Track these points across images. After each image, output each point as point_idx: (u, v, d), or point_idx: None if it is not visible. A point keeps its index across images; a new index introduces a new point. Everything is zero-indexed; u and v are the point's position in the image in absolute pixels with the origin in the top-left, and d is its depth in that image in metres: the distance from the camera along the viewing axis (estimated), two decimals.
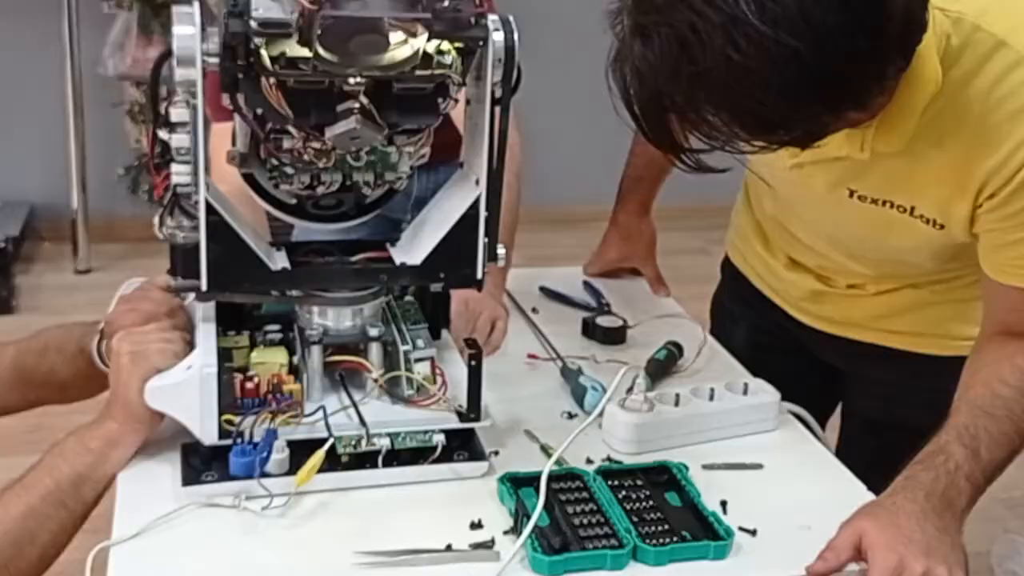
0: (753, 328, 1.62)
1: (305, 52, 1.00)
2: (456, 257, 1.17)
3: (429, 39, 1.03)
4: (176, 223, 1.09)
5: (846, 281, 1.46)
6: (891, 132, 1.13)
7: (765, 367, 1.44)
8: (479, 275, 1.18)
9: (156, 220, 1.10)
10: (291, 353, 1.17)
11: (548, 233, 3.58)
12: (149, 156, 1.09)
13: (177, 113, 1.03)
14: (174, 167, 1.05)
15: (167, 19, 3.77)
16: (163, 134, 1.05)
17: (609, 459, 1.23)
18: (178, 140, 1.04)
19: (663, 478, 1.18)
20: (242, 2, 0.98)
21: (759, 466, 1.25)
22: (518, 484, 1.13)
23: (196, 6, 1.02)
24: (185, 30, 1.00)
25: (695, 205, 3.29)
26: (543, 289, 1.70)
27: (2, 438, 2.40)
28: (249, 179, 1.19)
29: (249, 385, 1.12)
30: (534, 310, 1.63)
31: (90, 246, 3.80)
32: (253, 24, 0.98)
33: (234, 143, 1.19)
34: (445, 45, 1.05)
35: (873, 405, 1.56)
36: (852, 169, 1.20)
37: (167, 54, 1.02)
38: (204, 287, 1.10)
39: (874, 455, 1.29)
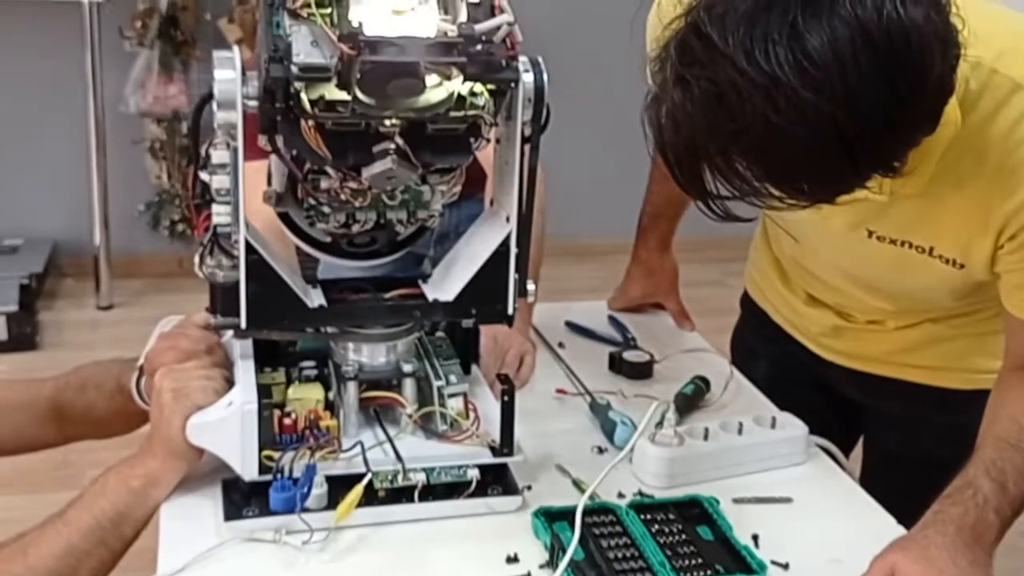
0: (773, 363, 1.63)
1: (343, 95, 1.03)
2: (487, 293, 1.19)
3: (463, 82, 1.06)
4: (216, 262, 1.12)
5: (865, 317, 1.47)
6: (911, 174, 1.14)
7: (786, 401, 1.45)
8: (510, 311, 1.20)
9: (196, 259, 1.12)
10: (327, 389, 1.19)
11: (567, 266, 3.61)
12: (190, 197, 1.12)
13: (218, 155, 1.06)
14: (215, 207, 1.08)
15: (187, 57, 3.87)
16: (204, 175, 1.08)
17: (640, 493, 1.24)
18: (219, 181, 1.07)
19: (694, 512, 1.19)
20: (283, 47, 1.01)
21: (789, 500, 1.26)
22: (552, 518, 1.15)
23: (236, 51, 1.05)
24: (226, 75, 1.03)
25: (712, 237, 3.29)
26: (569, 324, 1.72)
27: (30, 474, 2.43)
28: (283, 216, 1.22)
29: (287, 421, 1.14)
30: (560, 345, 1.65)
31: (111, 282, 3.83)
32: (294, 69, 1.01)
33: (269, 182, 1.21)
34: (478, 87, 1.08)
35: (895, 439, 1.56)
36: (871, 210, 1.21)
37: (208, 97, 1.05)
38: (243, 324, 1.12)
39: (897, 489, 1.30)
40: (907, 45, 0.95)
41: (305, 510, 1.10)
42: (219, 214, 1.08)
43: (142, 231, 4.02)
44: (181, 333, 1.23)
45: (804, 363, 1.58)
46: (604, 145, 3.46)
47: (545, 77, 1.10)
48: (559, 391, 1.49)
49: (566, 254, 3.70)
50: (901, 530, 1.18)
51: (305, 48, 1.01)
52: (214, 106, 1.04)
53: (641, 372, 1.56)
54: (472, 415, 1.21)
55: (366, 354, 1.20)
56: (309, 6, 1.01)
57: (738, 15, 0.95)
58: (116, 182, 3.81)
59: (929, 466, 1.25)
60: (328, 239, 1.23)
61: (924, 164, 1.13)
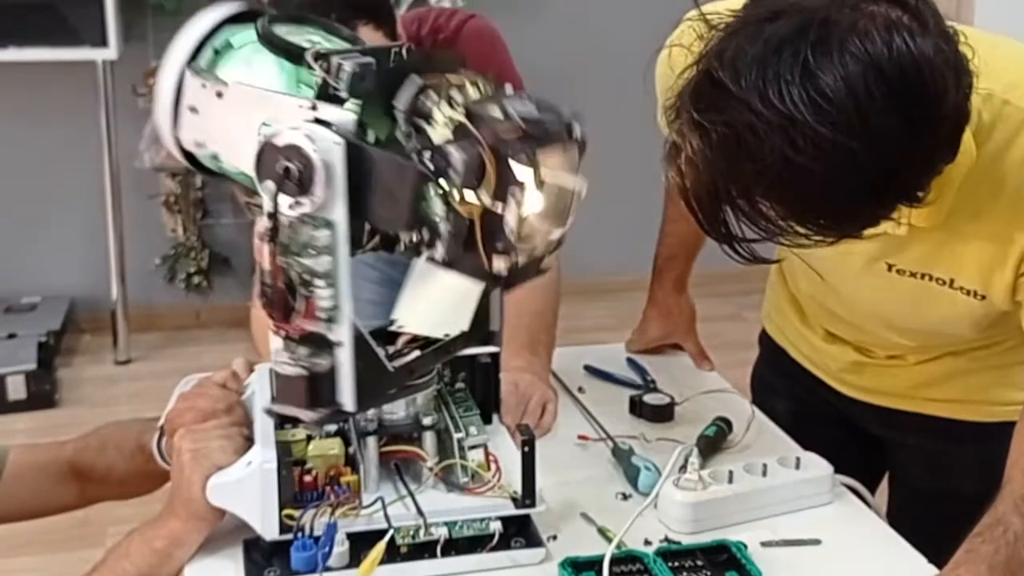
0: (794, 400, 1.62)
1: None
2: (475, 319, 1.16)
3: None
4: (309, 351, 1.02)
5: (885, 352, 1.46)
6: (928, 208, 1.14)
7: (808, 439, 1.44)
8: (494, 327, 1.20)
9: (284, 356, 1.02)
10: (347, 444, 1.18)
11: (581, 304, 3.60)
12: (274, 290, 0.98)
13: (321, 236, 0.98)
14: (317, 292, 0.99)
15: None
16: (306, 261, 0.98)
17: (667, 539, 1.23)
18: (321, 264, 0.98)
19: (722, 557, 1.18)
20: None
21: (817, 542, 1.24)
22: (579, 568, 1.13)
23: None
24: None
25: (726, 270, 3.28)
26: (587, 368, 1.71)
27: (50, 532, 2.42)
28: None
29: (307, 478, 1.13)
30: (580, 389, 1.64)
31: (129, 336, 3.84)
32: None
33: None
34: None
35: (920, 474, 1.55)
36: (890, 244, 1.21)
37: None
38: (352, 407, 1.04)
39: (925, 524, 1.28)
40: (919, 76, 0.95)
41: (327, 569, 1.09)
42: (323, 299, 0.99)
43: (158, 285, 4.04)
44: (200, 393, 1.23)
45: (825, 400, 1.56)
46: (617, 182, 3.46)
47: None
48: (581, 437, 1.48)
49: (580, 292, 3.69)
50: (932, 569, 1.17)
51: None
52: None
53: (662, 415, 1.54)
54: (493, 466, 1.20)
55: (386, 408, 1.19)
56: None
57: (749, 58, 0.96)
58: (132, 237, 3.84)
59: (957, 500, 1.23)
60: None
61: (943, 196, 1.13)
